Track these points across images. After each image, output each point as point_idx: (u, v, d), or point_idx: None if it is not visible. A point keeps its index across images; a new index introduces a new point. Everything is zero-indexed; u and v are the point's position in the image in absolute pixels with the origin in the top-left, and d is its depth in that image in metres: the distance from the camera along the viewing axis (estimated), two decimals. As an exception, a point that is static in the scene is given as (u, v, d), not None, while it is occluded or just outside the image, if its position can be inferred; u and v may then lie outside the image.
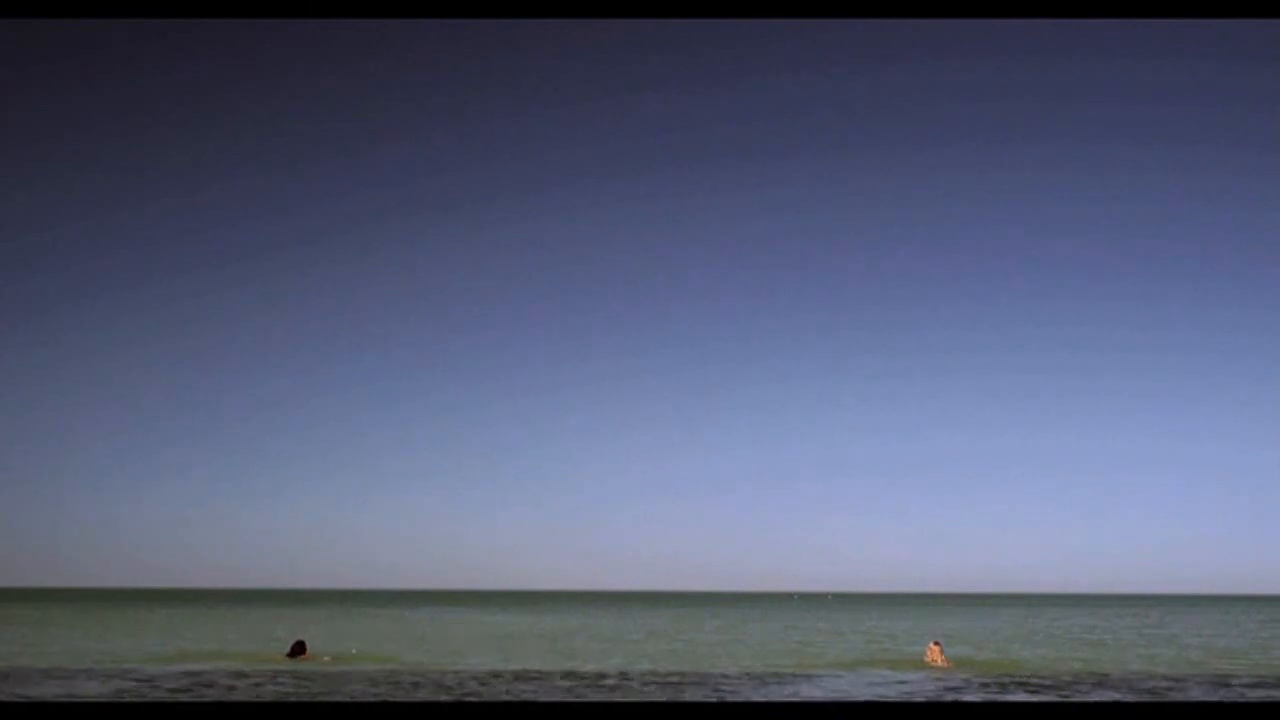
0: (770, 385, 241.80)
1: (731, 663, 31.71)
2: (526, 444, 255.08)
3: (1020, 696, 22.63)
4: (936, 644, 33.17)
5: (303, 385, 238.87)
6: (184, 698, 21.38)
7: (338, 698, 21.21)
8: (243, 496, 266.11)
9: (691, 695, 22.22)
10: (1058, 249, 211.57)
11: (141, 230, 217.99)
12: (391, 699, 21.12)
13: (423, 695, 21.87)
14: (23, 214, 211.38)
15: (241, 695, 21.77)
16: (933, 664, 31.22)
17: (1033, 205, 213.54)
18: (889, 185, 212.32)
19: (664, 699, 21.42)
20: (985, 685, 24.86)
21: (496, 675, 26.21)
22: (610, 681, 24.77)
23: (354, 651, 34.78)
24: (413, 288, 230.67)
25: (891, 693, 23.45)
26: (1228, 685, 25.28)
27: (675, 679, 25.66)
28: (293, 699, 21.02)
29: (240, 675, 25.96)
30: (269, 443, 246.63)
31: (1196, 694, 23.24)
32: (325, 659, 31.41)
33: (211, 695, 21.74)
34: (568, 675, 26.32)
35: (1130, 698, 22.28)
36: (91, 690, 22.76)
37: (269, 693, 22.12)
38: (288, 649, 33.16)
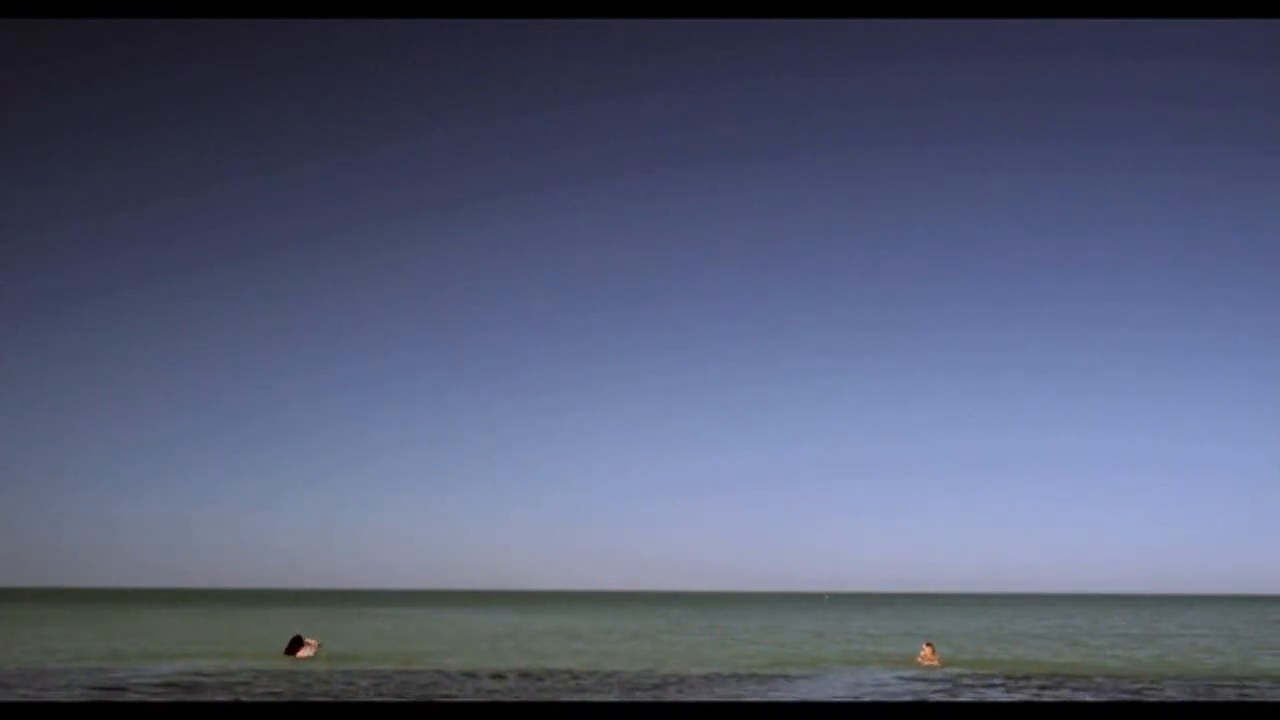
0: (771, 385, 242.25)
1: (717, 664, 32.18)
2: (527, 444, 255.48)
3: (1007, 696, 23.12)
4: (929, 644, 34.08)
5: (303, 385, 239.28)
6: (180, 697, 21.83)
7: (335, 697, 21.65)
8: (243, 497, 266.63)
9: (662, 696, 22.71)
10: (1058, 249, 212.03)
11: (141, 230, 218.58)
12: (387, 699, 21.52)
13: (413, 695, 22.36)
14: (23, 214, 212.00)
15: (236, 694, 22.25)
16: (925, 663, 31.93)
17: (1033, 205, 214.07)
18: (889, 185, 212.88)
19: (651, 699, 21.79)
20: (974, 684, 25.41)
21: (471, 674, 26.77)
22: (576, 682, 25.22)
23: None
24: (413, 288, 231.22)
25: (882, 692, 23.95)
26: (1203, 684, 25.80)
27: (647, 680, 26.15)
28: (292, 699, 21.41)
29: (234, 673, 26.46)
30: (269, 443, 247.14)
31: (1170, 693, 23.74)
32: (311, 652, 32.16)
33: (206, 695, 22.20)
34: (530, 674, 26.83)
35: (1104, 697, 22.79)
36: (83, 691, 23.18)
37: (262, 691, 22.61)
38: (285, 646, 33.79)
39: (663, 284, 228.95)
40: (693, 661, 32.54)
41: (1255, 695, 23.56)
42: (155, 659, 32.04)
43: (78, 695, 22.10)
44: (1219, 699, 22.74)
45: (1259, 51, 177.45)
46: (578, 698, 21.88)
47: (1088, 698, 22.71)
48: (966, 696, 22.97)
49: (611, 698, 21.96)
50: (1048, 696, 22.97)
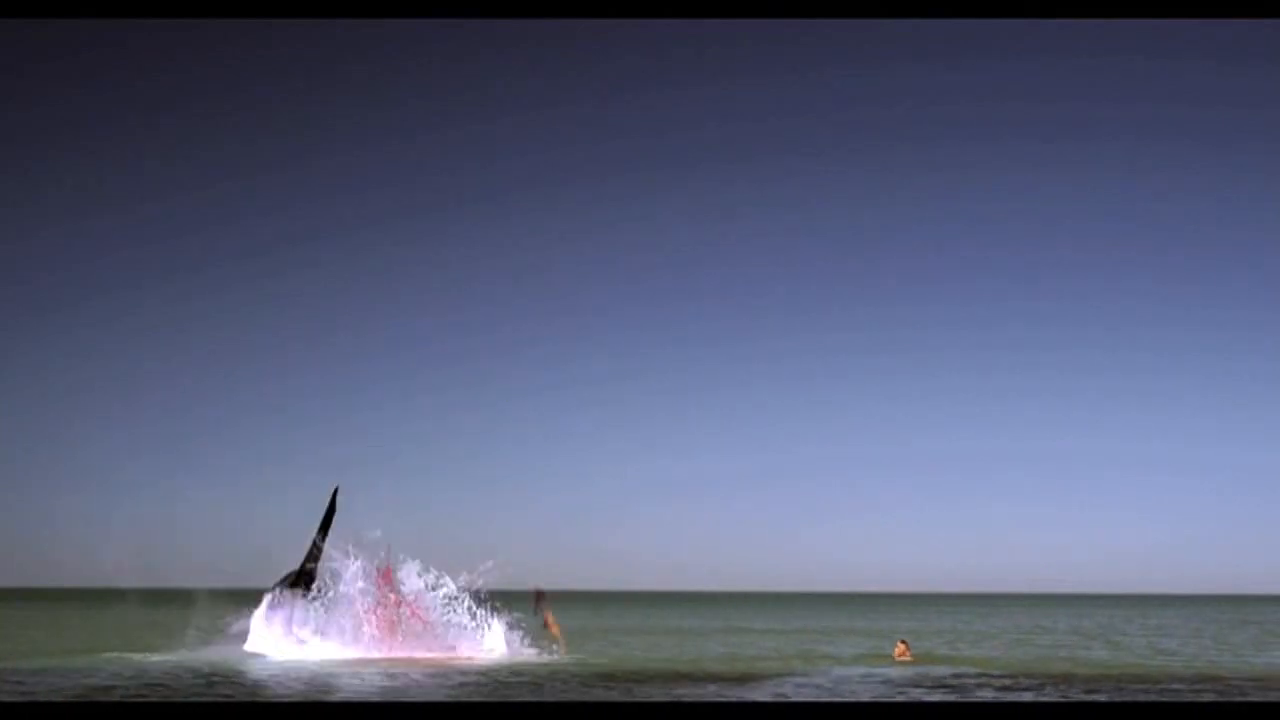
0: (772, 385, 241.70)
1: (681, 664, 33.07)
2: (526, 443, 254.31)
3: (981, 695, 24.02)
4: (903, 641, 35.13)
5: (303, 386, 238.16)
6: (179, 697, 22.65)
7: (337, 697, 22.51)
8: (244, 496, 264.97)
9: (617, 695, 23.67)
10: (1058, 249, 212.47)
11: (142, 229, 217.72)
12: (386, 698, 22.32)
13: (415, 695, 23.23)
14: (23, 214, 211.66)
15: (233, 693, 23.10)
16: (900, 660, 33.05)
17: (1033, 205, 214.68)
18: (889, 185, 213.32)
19: (640, 700, 22.57)
20: (951, 682, 26.37)
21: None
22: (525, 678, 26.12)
23: None
24: (413, 288, 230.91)
25: (853, 690, 24.79)
26: (1155, 687, 26.81)
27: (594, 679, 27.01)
28: (292, 699, 22.23)
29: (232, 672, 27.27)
30: (269, 443, 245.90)
31: (1120, 694, 24.74)
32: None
33: (205, 694, 23.05)
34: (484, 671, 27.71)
35: (1058, 697, 23.76)
36: (79, 688, 23.93)
37: (257, 690, 23.46)
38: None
39: (662, 284, 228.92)
40: (659, 661, 33.29)
41: (1190, 696, 24.63)
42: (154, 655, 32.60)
43: (76, 694, 22.73)
44: (1157, 700, 23.78)
45: (1259, 51, 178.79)
46: (535, 697, 22.67)
47: (1051, 697, 23.63)
48: (942, 695, 23.88)
49: (554, 698, 22.66)
50: (1016, 696, 23.90)
